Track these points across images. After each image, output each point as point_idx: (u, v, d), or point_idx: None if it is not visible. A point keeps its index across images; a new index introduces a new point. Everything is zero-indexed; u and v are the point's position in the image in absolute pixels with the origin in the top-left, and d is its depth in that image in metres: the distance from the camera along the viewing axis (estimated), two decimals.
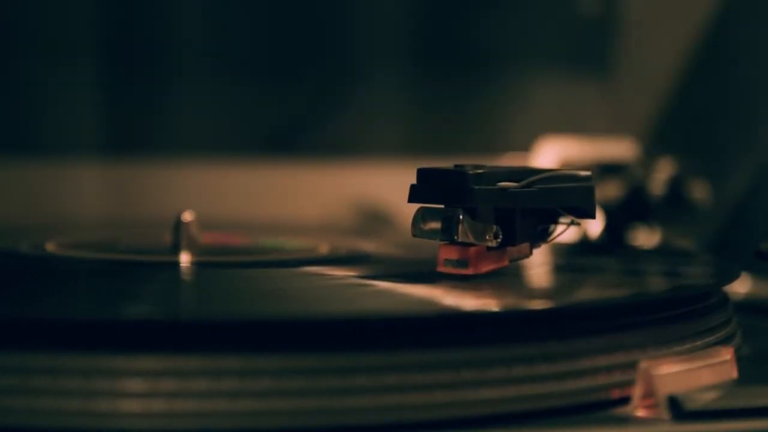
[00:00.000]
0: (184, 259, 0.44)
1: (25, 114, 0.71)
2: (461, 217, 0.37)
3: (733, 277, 0.41)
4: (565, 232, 0.40)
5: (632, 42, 0.74)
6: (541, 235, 0.40)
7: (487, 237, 0.38)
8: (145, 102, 0.72)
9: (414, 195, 0.38)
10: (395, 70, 0.74)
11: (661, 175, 0.58)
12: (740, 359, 0.36)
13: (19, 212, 0.69)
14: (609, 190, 0.57)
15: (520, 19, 0.76)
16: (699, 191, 0.58)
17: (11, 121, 0.71)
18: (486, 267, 0.38)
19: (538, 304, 0.36)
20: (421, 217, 0.38)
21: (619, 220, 0.57)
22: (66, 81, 0.70)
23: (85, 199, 0.70)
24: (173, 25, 0.72)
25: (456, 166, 0.38)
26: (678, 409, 0.32)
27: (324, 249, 0.48)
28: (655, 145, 0.67)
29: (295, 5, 0.74)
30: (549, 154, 0.62)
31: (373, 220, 0.70)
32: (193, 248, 0.45)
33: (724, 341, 0.37)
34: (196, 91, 0.72)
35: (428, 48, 0.75)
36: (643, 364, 0.33)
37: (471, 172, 0.37)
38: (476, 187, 0.37)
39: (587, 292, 0.40)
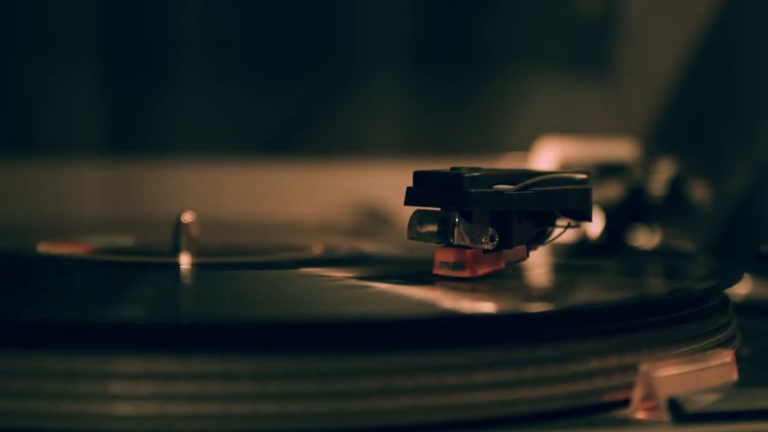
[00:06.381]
0: (184, 260, 0.44)
1: (24, 114, 0.71)
2: (457, 220, 0.37)
3: (734, 279, 0.41)
4: (563, 234, 0.40)
5: (632, 42, 0.74)
6: (538, 238, 0.40)
7: (484, 240, 0.38)
8: (144, 102, 0.72)
9: (410, 198, 0.38)
10: (395, 70, 0.74)
11: (661, 176, 0.57)
12: (741, 361, 0.36)
13: (19, 212, 0.69)
14: (609, 191, 0.57)
15: (520, 19, 0.76)
16: (699, 191, 0.58)
17: (11, 121, 0.71)
18: (482, 270, 0.38)
19: (537, 307, 0.36)
20: (417, 219, 0.38)
21: (619, 220, 0.57)
22: (65, 81, 0.70)
23: (85, 199, 0.70)
24: (173, 25, 0.72)
25: (452, 168, 0.38)
26: (678, 411, 0.32)
27: (322, 250, 0.48)
28: (655, 145, 0.67)
29: (295, 5, 0.74)
30: (549, 155, 0.62)
31: (372, 220, 0.70)
32: (193, 249, 0.45)
33: (724, 343, 0.37)
34: (195, 91, 0.72)
35: (428, 48, 0.75)
36: (644, 367, 0.33)
37: (467, 175, 0.37)
38: (472, 190, 0.37)
39: (587, 294, 0.40)
